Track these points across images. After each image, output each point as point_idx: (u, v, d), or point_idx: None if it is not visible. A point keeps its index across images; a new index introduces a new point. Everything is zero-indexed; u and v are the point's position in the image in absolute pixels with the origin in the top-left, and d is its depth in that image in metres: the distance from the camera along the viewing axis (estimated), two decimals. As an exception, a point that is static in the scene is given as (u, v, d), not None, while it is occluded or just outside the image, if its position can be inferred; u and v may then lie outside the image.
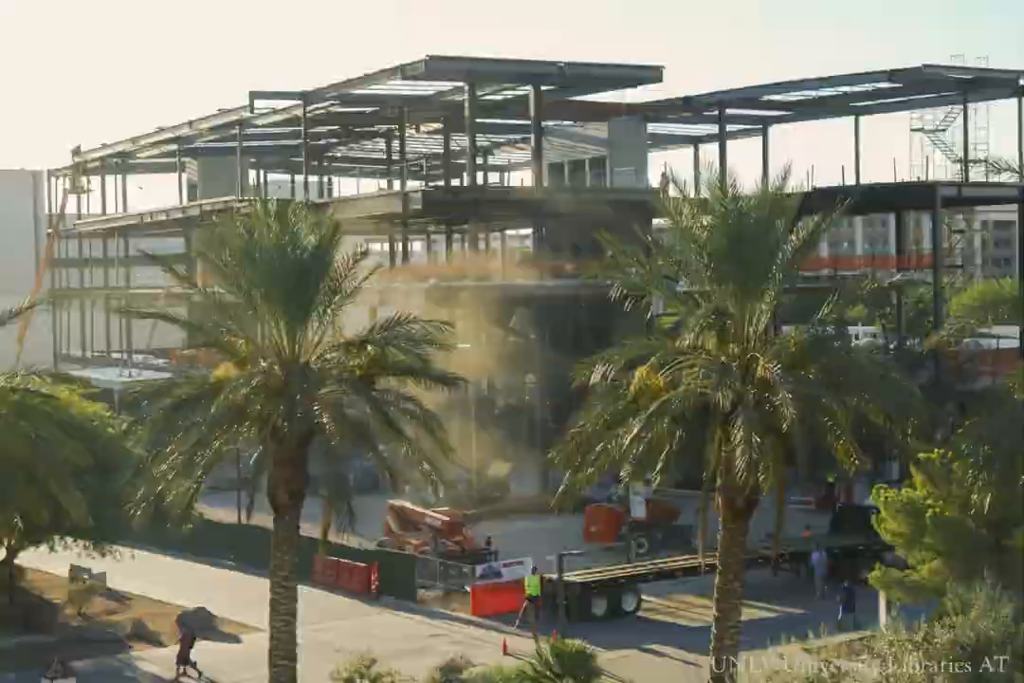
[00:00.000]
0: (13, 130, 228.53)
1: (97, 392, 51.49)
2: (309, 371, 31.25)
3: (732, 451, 27.74)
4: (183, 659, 40.83)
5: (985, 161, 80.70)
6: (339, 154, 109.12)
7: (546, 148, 78.62)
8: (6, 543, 46.07)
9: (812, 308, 31.11)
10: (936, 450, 33.39)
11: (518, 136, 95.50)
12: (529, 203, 70.34)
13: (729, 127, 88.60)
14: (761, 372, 28.50)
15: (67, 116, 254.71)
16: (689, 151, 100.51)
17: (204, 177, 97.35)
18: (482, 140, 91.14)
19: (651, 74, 74.50)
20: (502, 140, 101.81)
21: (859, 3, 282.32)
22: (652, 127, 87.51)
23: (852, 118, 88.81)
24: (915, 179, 78.31)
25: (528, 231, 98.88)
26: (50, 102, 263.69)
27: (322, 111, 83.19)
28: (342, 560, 50.13)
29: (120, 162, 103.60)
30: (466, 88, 73.64)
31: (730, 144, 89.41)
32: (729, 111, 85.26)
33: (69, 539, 46.30)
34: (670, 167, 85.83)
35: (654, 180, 78.37)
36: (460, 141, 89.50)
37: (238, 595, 48.97)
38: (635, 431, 28.24)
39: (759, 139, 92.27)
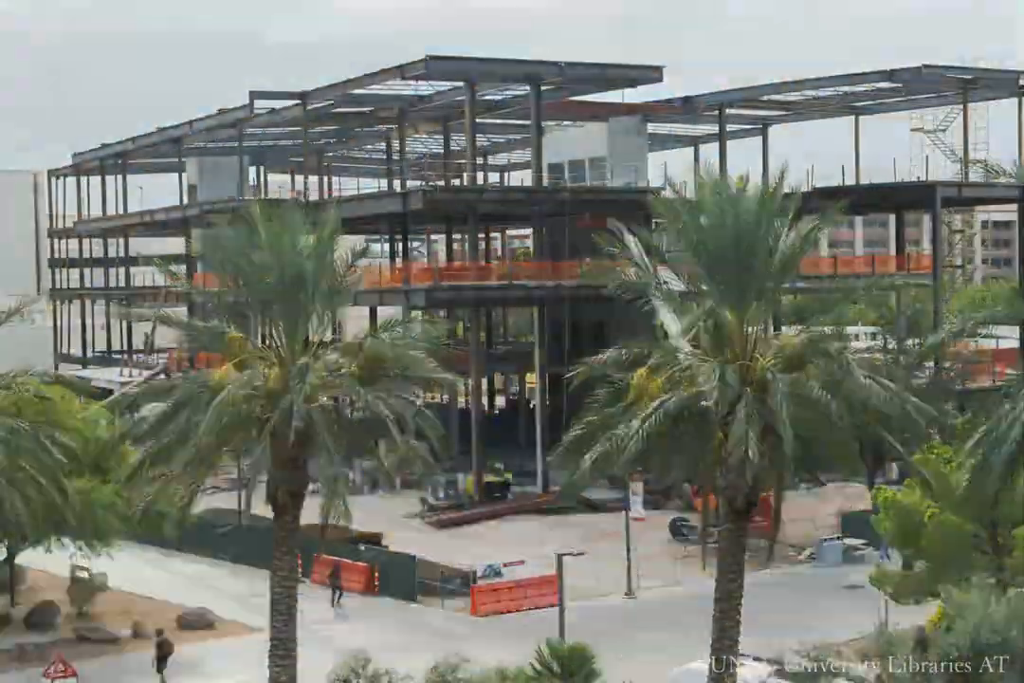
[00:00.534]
0: (13, 130, 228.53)
1: (97, 392, 51.43)
2: (308, 372, 31.17)
3: (730, 451, 27.70)
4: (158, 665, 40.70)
5: (984, 163, 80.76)
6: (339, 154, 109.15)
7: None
8: (6, 543, 46.05)
9: (811, 308, 31.07)
10: (935, 451, 33.32)
11: (518, 136, 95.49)
12: (529, 203, 70.19)
13: (729, 127, 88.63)
14: (759, 373, 28.46)
15: (67, 116, 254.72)
16: (689, 151, 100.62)
17: (204, 177, 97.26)
18: (482, 140, 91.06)
19: (651, 74, 74.56)
20: (502, 140, 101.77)
21: (859, 3, 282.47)
22: (652, 127, 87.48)
23: (852, 118, 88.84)
24: (915, 179, 78.19)
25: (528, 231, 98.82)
26: (50, 102, 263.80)
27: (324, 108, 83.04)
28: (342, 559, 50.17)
29: (120, 162, 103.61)
30: (466, 88, 73.62)
31: (730, 144, 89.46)
32: (729, 111, 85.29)
33: (66, 539, 46.19)
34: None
35: (654, 180, 78.34)
36: (459, 141, 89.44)
37: (238, 595, 48.99)
38: (634, 431, 28.18)
39: (759, 139, 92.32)
